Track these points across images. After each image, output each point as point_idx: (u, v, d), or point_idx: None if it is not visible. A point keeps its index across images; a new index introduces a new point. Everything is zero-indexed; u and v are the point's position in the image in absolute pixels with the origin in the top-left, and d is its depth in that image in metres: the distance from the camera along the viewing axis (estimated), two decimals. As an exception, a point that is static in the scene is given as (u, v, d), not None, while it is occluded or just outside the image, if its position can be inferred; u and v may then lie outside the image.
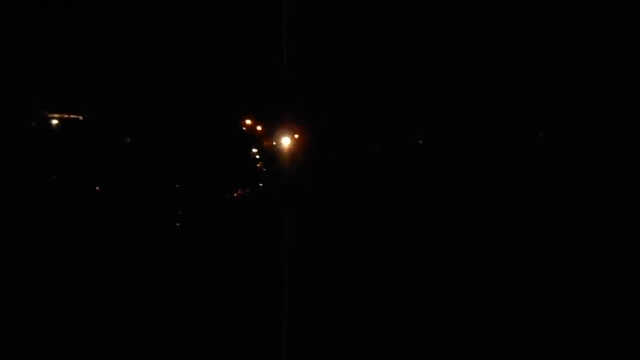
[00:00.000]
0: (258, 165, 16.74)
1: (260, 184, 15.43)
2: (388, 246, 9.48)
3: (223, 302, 6.62)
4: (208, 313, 6.26)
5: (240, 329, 5.87)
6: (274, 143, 20.15)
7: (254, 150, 17.43)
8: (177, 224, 12.27)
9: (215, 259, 8.76)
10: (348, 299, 6.77)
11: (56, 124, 13.41)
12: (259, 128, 19.19)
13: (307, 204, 13.70)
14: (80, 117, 13.58)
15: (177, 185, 13.34)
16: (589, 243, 8.70)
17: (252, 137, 18.25)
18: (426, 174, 16.09)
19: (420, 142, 18.38)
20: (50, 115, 13.41)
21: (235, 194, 14.85)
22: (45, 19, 12.51)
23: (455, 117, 16.08)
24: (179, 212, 12.67)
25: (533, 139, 14.64)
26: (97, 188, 12.48)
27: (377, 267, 8.20)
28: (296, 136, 21.61)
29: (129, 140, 13.87)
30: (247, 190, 14.37)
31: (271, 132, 19.17)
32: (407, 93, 17.06)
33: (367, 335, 5.78)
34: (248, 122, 18.50)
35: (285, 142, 21.46)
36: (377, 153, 19.06)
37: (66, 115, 13.50)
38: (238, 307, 6.45)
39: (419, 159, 17.40)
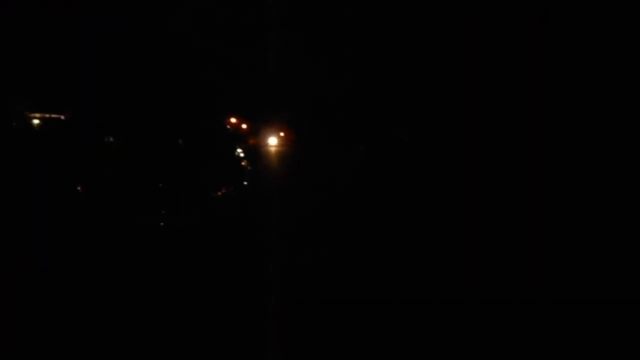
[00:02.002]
0: (243, 163, 16.74)
1: (245, 182, 15.43)
2: (383, 245, 9.45)
3: (209, 303, 6.60)
4: (192, 314, 6.25)
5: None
6: (259, 141, 20.10)
7: (239, 150, 17.43)
8: (162, 224, 12.17)
9: (200, 258, 8.73)
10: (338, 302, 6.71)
11: (37, 124, 13.27)
12: (244, 126, 19.17)
13: (293, 202, 13.69)
14: (62, 117, 13.47)
15: (160, 185, 13.25)
16: (578, 240, 8.80)
17: (237, 136, 18.22)
18: (413, 171, 16.16)
19: (406, 139, 18.46)
20: (32, 115, 13.27)
21: (220, 193, 14.81)
22: (28, 18, 12.38)
23: (440, 114, 16.16)
24: (163, 212, 12.57)
25: (520, 136, 14.75)
26: (79, 188, 12.37)
27: (371, 267, 8.18)
28: (282, 134, 21.59)
29: (111, 139, 13.78)
30: (232, 188, 14.34)
31: (256, 130, 19.16)
32: (392, 91, 17.11)
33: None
34: (233, 120, 18.48)
35: (271, 140, 21.41)
36: (362, 151, 19.10)
37: (47, 115, 13.38)
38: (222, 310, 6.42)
39: (404, 156, 17.47)
